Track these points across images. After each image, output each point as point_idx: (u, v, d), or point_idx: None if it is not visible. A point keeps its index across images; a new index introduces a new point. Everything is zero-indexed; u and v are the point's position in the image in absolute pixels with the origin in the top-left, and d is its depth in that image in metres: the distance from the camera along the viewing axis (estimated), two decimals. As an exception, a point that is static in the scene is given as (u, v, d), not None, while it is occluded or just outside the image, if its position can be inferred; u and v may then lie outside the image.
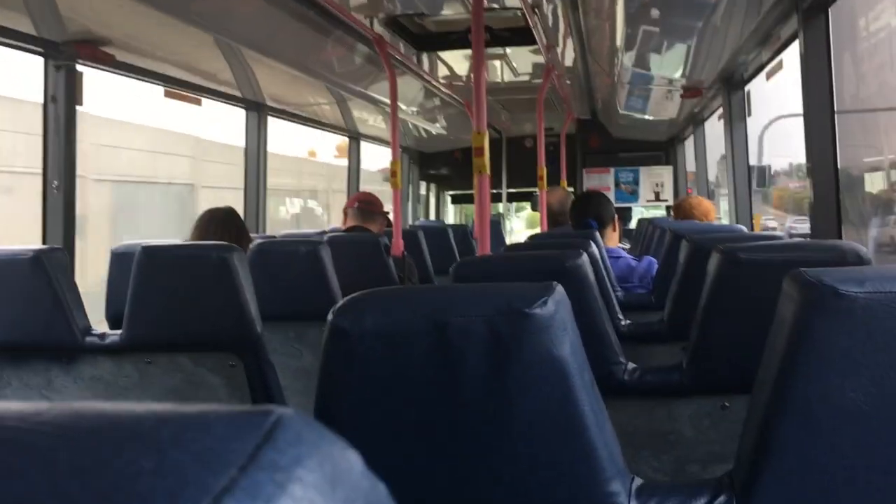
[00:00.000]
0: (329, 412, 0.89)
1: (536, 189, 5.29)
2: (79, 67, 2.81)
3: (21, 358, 2.02)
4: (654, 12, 3.31)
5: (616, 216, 3.15)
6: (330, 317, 0.88)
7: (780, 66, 3.40)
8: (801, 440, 0.83)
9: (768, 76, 3.59)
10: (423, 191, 8.72)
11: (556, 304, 0.86)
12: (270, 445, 0.20)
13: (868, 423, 0.81)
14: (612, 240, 3.07)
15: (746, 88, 4.13)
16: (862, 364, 0.80)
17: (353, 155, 6.45)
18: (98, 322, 2.22)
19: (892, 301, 0.80)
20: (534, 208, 7.17)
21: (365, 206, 3.52)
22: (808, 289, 0.82)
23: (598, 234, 2.71)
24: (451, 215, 9.57)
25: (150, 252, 1.93)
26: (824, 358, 0.81)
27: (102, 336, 2.04)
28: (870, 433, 0.81)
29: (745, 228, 3.30)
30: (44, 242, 2.69)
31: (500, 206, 8.30)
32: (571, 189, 7.05)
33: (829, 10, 2.52)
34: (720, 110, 4.55)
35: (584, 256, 1.56)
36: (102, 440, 0.20)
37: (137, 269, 1.93)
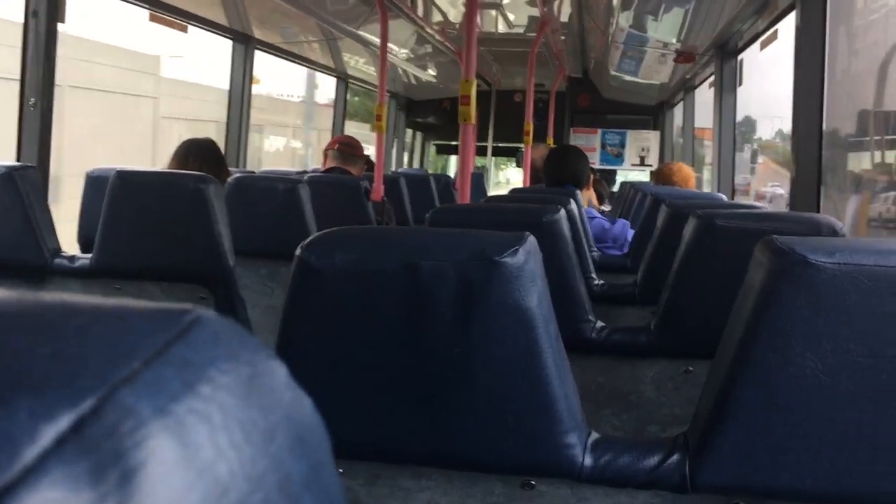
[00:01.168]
0: (291, 345, 0.88)
1: (522, 145, 5.26)
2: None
3: None
4: (654, -28, 3.26)
5: (591, 176, 3.08)
6: (298, 251, 0.87)
7: (774, 36, 3.37)
8: (758, 405, 0.83)
9: (762, 46, 3.56)
10: (408, 138, 8.65)
11: (526, 255, 0.86)
12: (183, 342, 0.20)
13: (825, 394, 0.82)
14: (585, 198, 3.02)
15: (739, 57, 4.10)
16: (824, 334, 0.81)
17: (340, 96, 6.37)
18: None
19: (859, 273, 0.80)
20: (518, 164, 7.14)
21: (346, 148, 3.50)
22: (779, 255, 0.82)
23: (578, 192, 2.69)
24: (434, 168, 9.52)
25: (125, 177, 1.90)
26: (788, 325, 0.81)
27: (72, 259, 2.02)
28: (826, 403, 0.82)
29: (725, 197, 3.31)
30: (18, 160, 2.64)
31: (486, 160, 8.27)
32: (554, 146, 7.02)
33: (829, -18, 2.49)
34: (711, 78, 4.52)
35: (562, 213, 1.56)
36: (4, 321, 0.19)
37: (111, 194, 1.90)
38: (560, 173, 2.95)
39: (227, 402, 0.19)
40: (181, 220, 1.89)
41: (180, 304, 0.21)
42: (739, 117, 4.14)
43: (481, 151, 7.91)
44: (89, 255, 2.00)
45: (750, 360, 0.83)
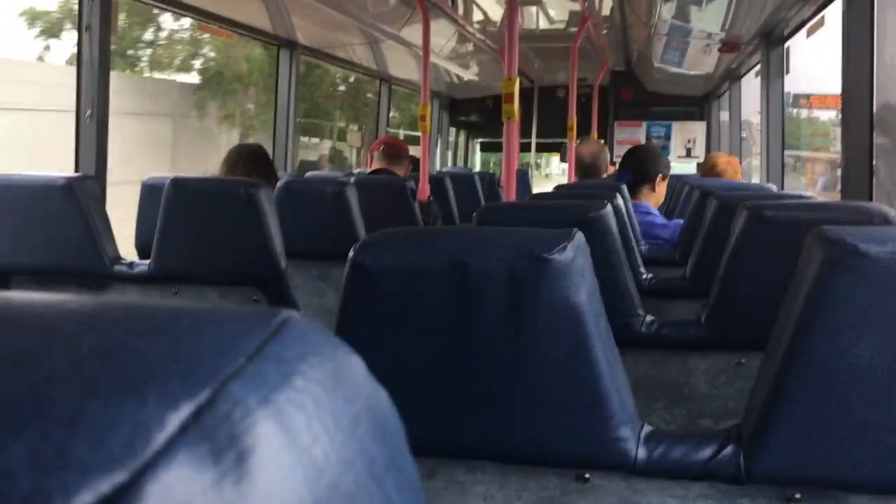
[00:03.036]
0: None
1: (566, 140, 5.25)
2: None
3: (50, 284, 2.07)
4: (696, -38, 3.23)
5: (661, 176, 2.96)
6: (351, 253, 0.90)
7: (821, 23, 3.31)
8: (811, 395, 0.84)
9: (809, 33, 3.50)
10: (451, 137, 8.68)
11: (574, 251, 0.87)
12: (276, 341, 0.22)
13: (879, 383, 0.82)
14: (650, 198, 2.91)
15: (786, 45, 4.04)
16: (877, 324, 0.81)
17: (384, 98, 6.43)
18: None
19: None
20: (563, 159, 7.11)
21: (391, 149, 3.54)
22: (830, 246, 0.82)
23: (625, 186, 2.67)
24: (479, 166, 9.54)
25: (179, 184, 1.96)
26: (840, 315, 0.81)
27: (131, 265, 2.08)
28: (880, 392, 0.82)
29: (774, 188, 3.26)
30: (76, 171, 2.73)
31: (530, 156, 8.25)
32: (602, 141, 6.99)
33: (877, -34, 2.45)
34: (758, 66, 4.46)
35: (608, 208, 1.56)
36: (123, 326, 0.22)
37: (166, 201, 1.96)
38: (624, 166, 2.88)
39: (317, 393, 0.21)
40: (234, 225, 1.94)
41: (270, 308, 0.24)
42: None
43: (525, 148, 7.90)
44: (147, 262, 2.06)
45: (804, 351, 0.83)
